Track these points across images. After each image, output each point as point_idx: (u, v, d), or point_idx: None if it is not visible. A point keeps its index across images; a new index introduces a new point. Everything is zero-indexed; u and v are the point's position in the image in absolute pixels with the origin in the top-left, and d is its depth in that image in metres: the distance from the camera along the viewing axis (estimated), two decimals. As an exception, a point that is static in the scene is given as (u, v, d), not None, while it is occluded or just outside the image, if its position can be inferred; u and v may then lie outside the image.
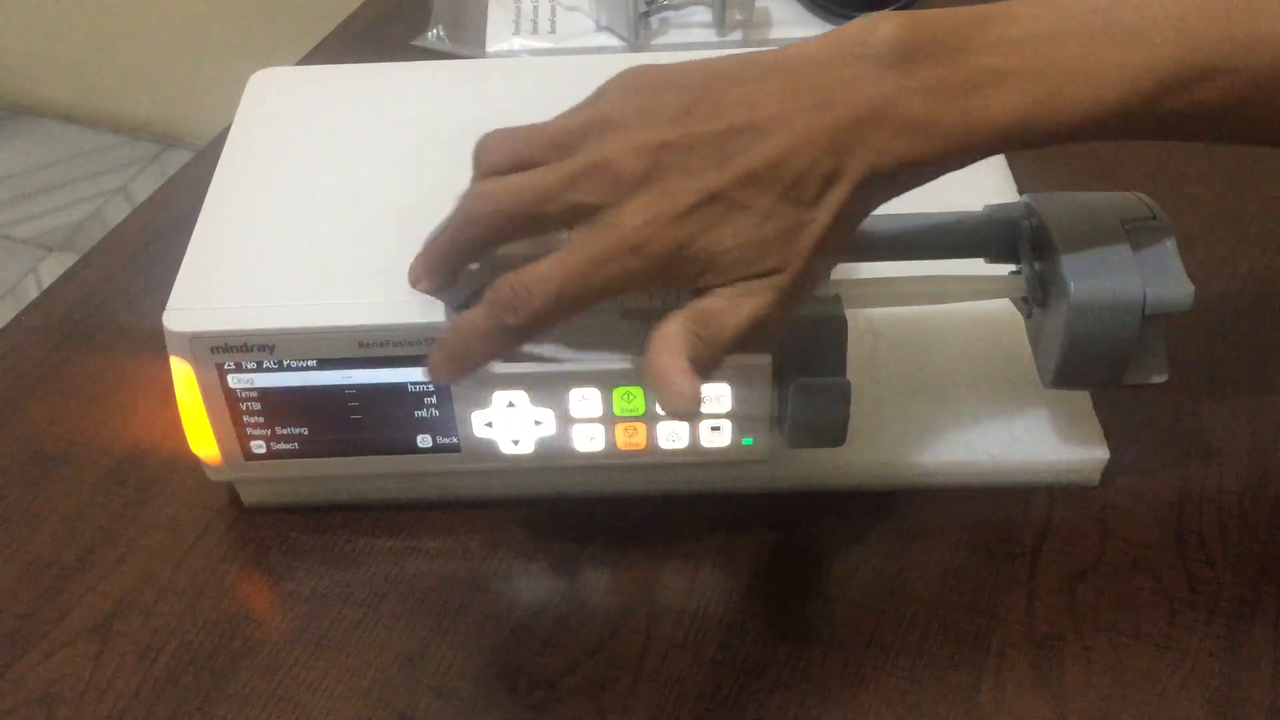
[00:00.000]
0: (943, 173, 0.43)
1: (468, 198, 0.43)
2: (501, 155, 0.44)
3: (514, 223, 0.43)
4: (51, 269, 1.76)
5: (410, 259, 0.47)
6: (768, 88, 0.41)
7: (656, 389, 0.41)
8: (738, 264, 0.41)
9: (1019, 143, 0.42)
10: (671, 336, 0.41)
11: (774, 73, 0.41)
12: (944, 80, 0.40)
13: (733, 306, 0.41)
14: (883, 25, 0.41)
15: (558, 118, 0.44)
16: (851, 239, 0.43)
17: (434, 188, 0.51)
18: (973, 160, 0.43)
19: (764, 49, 0.43)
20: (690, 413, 0.40)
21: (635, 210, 0.40)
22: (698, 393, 0.40)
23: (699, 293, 0.42)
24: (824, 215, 0.41)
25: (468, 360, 0.44)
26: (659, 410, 0.45)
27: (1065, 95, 0.41)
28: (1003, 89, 0.41)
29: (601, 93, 0.44)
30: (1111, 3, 0.42)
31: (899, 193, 0.43)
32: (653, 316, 0.47)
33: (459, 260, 0.45)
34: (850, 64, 0.41)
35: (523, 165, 0.43)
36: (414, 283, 0.46)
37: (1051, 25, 0.41)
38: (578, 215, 0.41)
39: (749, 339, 0.42)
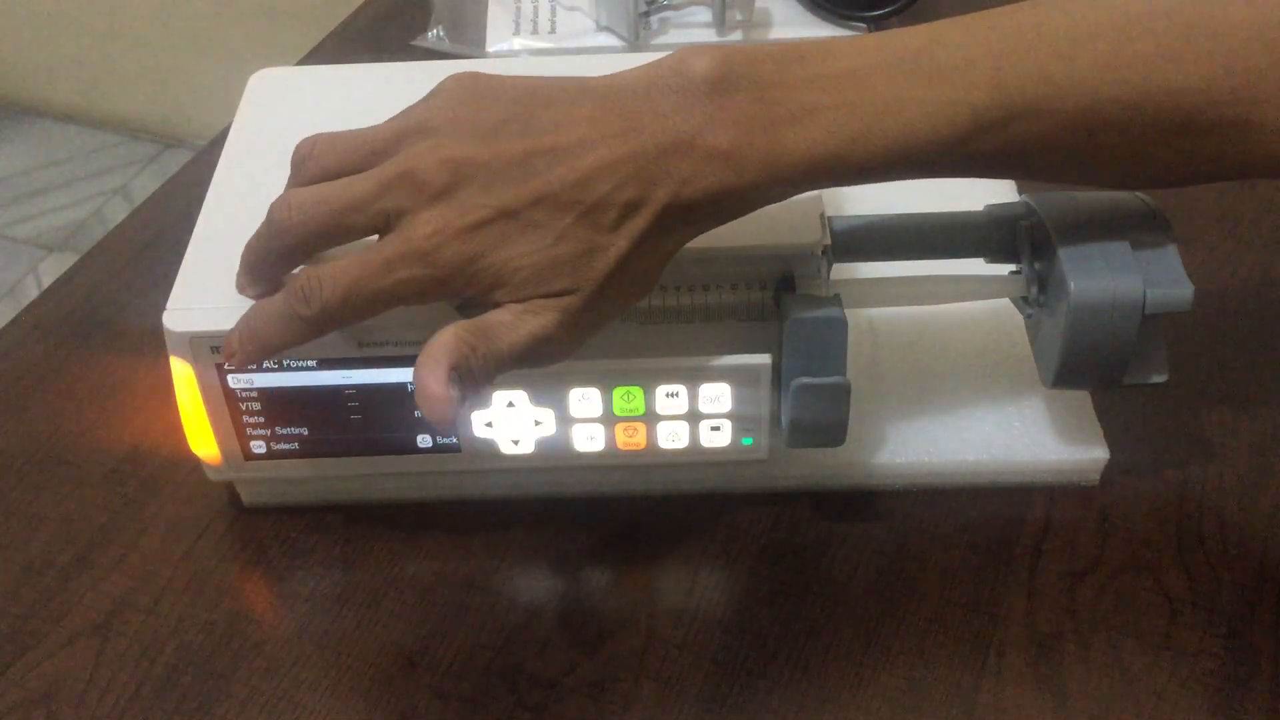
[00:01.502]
0: (755, 206, 0.43)
1: (277, 207, 0.43)
2: (321, 163, 0.44)
3: (322, 233, 0.43)
4: (51, 269, 1.76)
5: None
6: (579, 112, 0.41)
7: (416, 394, 0.41)
8: (528, 282, 0.41)
9: (832, 177, 0.42)
10: (440, 345, 0.41)
11: (588, 98, 0.42)
12: (755, 112, 0.40)
13: (515, 323, 0.41)
14: (699, 57, 0.41)
15: (381, 124, 0.44)
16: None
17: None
18: (786, 194, 0.43)
19: (591, 76, 0.43)
20: (443, 421, 0.41)
21: (428, 219, 0.41)
22: (452, 402, 0.40)
23: (495, 306, 0.42)
24: (622, 242, 0.41)
25: (261, 345, 0.44)
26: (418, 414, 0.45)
27: (878, 131, 0.41)
28: (814, 123, 0.40)
29: (428, 97, 0.44)
30: (930, 42, 0.42)
31: (710, 225, 0.43)
32: (653, 316, 0.48)
33: (275, 268, 0.45)
34: (664, 94, 0.41)
35: (341, 173, 0.43)
36: (240, 290, 0.46)
37: (868, 62, 0.41)
38: (386, 222, 0.42)
39: (529, 358, 0.42)
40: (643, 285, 0.43)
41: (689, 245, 0.43)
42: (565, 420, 0.49)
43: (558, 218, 0.41)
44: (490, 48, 0.79)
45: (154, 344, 0.47)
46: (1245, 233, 0.64)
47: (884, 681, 0.47)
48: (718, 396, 0.48)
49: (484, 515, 0.53)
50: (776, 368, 0.48)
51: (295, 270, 0.45)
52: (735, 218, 0.43)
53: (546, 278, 0.41)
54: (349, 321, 0.43)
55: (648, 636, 0.48)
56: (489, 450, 0.50)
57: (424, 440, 0.49)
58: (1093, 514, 0.52)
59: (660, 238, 0.42)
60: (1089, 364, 0.48)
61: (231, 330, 0.44)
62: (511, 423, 0.49)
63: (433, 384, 0.40)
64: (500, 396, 0.48)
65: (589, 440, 0.49)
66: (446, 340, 0.41)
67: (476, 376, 0.42)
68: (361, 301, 0.42)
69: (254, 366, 0.47)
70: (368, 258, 0.41)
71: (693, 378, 0.48)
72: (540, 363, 0.43)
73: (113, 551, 0.52)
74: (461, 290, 0.42)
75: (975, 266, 0.51)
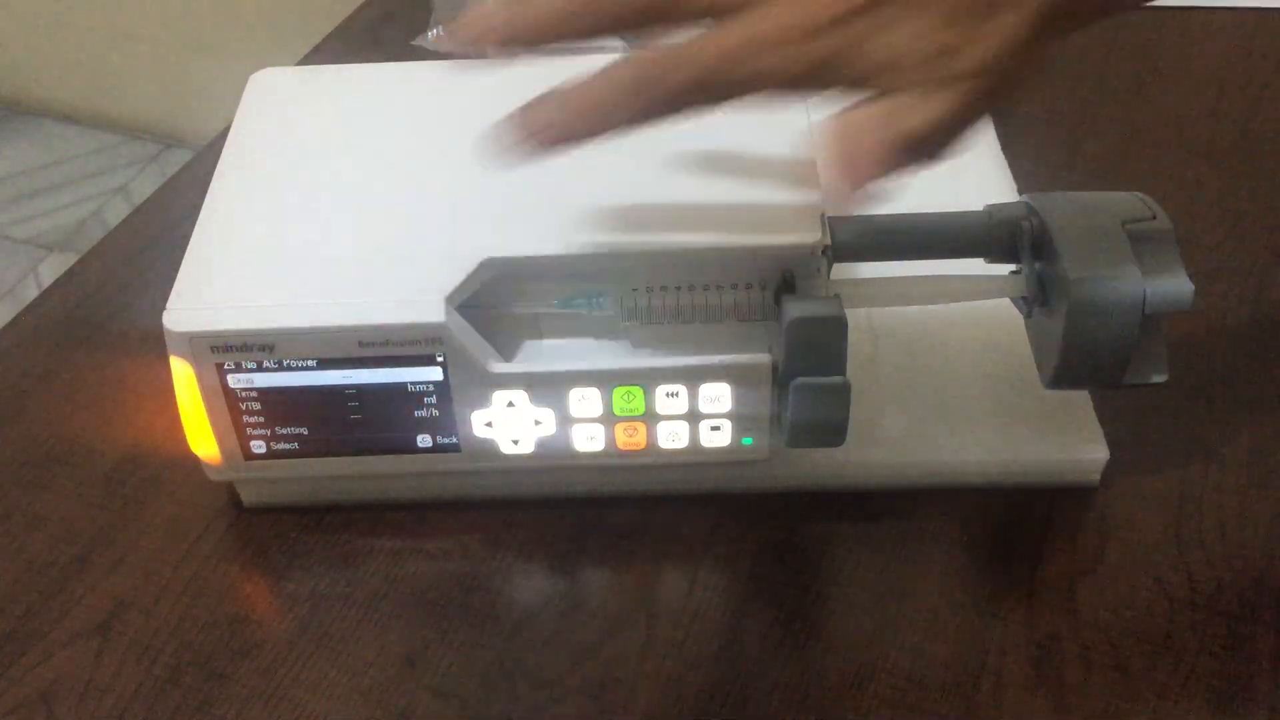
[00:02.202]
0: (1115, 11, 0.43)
1: None
2: None
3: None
4: (51, 269, 1.77)
5: (408, 259, 0.47)
6: None
7: (839, 170, 0.39)
8: (922, 64, 0.39)
9: None
10: (856, 124, 0.39)
11: None
12: None
13: (919, 104, 0.39)
14: None
15: None
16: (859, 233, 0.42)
17: (433, 188, 0.51)
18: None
19: None
20: (862, 197, 0.39)
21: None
22: (890, 164, 0.39)
23: (876, 95, 0.40)
24: (1015, 21, 0.39)
25: (588, 117, 0.40)
26: (830, 196, 0.43)
27: None
28: None
29: None
30: None
31: (1091, 19, 0.43)
32: (653, 316, 0.48)
33: (571, 28, 0.41)
34: None
35: None
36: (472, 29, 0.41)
37: None
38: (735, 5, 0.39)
39: (935, 140, 0.40)
40: (1029, 73, 0.41)
41: (689, 245, 0.43)
42: (565, 420, 0.49)
43: (944, 3, 0.39)
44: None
45: (154, 344, 0.47)
46: (1245, 232, 0.64)
47: (884, 681, 0.47)
48: (718, 396, 0.48)
49: (484, 515, 0.53)
50: (776, 368, 0.48)
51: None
52: (1113, 12, 0.43)
53: (941, 61, 0.39)
54: (691, 108, 0.40)
55: (648, 636, 0.48)
56: (489, 450, 0.50)
57: (424, 440, 0.49)
58: (1093, 514, 0.52)
59: (1047, 23, 0.40)
60: (1089, 364, 0.48)
61: (540, 102, 0.40)
62: (511, 423, 0.49)
63: (863, 161, 0.39)
64: (500, 396, 0.48)
65: (589, 440, 0.49)
66: (861, 119, 0.39)
67: (885, 161, 0.40)
68: (721, 82, 0.39)
69: (254, 366, 0.47)
70: (744, 32, 0.39)
71: (693, 378, 0.48)
72: (940, 151, 0.41)
73: (113, 551, 0.52)
74: (834, 79, 0.39)
75: (975, 266, 0.51)
